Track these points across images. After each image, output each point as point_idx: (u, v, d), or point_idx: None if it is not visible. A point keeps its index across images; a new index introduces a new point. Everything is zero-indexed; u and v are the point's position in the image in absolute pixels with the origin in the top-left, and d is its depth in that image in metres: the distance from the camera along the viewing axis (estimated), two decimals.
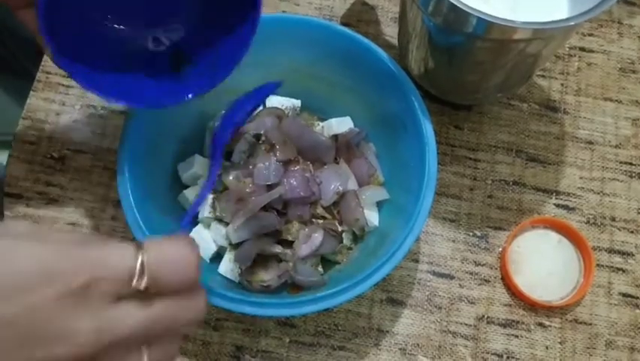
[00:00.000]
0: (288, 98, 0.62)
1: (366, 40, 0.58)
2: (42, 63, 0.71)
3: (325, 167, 0.58)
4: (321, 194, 0.56)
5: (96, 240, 0.33)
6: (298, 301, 0.49)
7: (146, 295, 0.33)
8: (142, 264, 0.33)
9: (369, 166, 0.61)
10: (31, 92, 0.70)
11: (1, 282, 0.30)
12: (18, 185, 0.66)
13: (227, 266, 0.57)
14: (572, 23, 0.49)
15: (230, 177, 0.55)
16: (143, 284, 0.33)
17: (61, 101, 0.70)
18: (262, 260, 0.56)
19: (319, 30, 0.59)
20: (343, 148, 0.61)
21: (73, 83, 0.70)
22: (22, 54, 0.89)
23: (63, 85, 0.71)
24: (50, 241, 0.32)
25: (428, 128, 0.55)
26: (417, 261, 0.64)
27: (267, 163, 0.55)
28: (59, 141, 0.68)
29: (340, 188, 0.56)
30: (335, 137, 0.60)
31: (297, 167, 0.56)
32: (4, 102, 0.98)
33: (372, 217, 0.59)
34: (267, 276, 0.55)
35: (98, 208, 0.65)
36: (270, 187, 0.55)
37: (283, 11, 0.75)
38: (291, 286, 0.57)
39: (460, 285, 0.63)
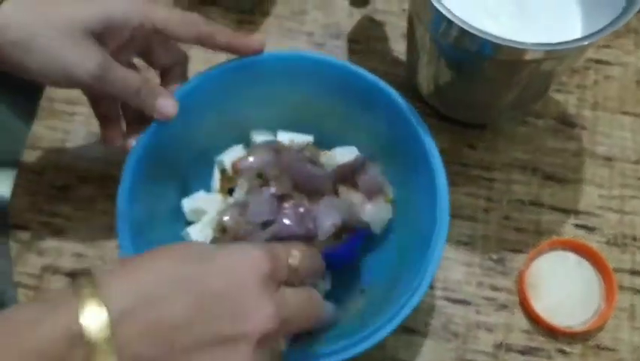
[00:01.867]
0: (299, 134, 0.61)
1: (381, 83, 0.56)
2: (45, 89, 0.70)
3: (323, 199, 0.56)
4: (317, 229, 0.54)
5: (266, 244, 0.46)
6: None
7: (290, 285, 0.43)
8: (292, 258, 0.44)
9: (375, 181, 0.58)
10: (35, 121, 0.69)
11: (223, 266, 0.39)
12: (23, 216, 0.65)
13: None
14: (586, 43, 0.47)
15: (227, 218, 0.53)
16: (294, 266, 0.44)
17: (64, 130, 0.69)
18: None
19: (333, 69, 0.58)
20: (348, 175, 0.58)
21: (77, 109, 0.69)
22: None
23: (67, 113, 0.69)
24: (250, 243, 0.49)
25: (441, 177, 0.53)
26: (431, 287, 0.62)
27: (261, 199, 0.53)
28: (64, 170, 0.67)
29: (338, 221, 0.54)
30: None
31: (291, 202, 0.54)
32: (11, 121, 0.97)
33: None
34: None
35: (103, 238, 0.64)
36: (265, 224, 0.53)
37: (288, 30, 0.73)
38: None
39: (476, 311, 0.61)
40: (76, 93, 0.67)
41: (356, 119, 0.60)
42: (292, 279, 0.43)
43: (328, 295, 0.57)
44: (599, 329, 0.60)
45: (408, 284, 0.50)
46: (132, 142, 0.55)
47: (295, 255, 0.44)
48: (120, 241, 0.51)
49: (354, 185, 0.59)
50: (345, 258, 0.56)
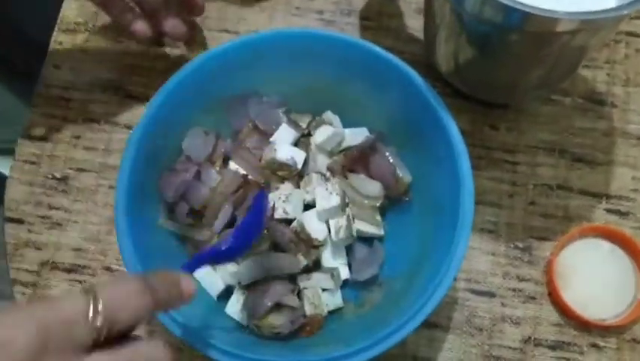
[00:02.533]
0: (295, 151, 0.57)
1: (396, 59, 0.54)
2: (41, 75, 0.67)
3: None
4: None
5: (44, 299, 0.33)
6: None
7: (111, 344, 0.33)
8: (95, 304, 0.32)
9: (387, 165, 0.56)
10: (30, 108, 0.66)
11: None
12: (19, 209, 0.62)
13: (235, 307, 0.53)
14: (625, 12, 0.43)
15: None
16: (98, 322, 0.32)
17: (62, 116, 0.66)
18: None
19: (344, 46, 0.55)
20: (358, 159, 0.57)
21: (74, 95, 0.67)
22: (29, 56, 0.86)
23: (64, 98, 0.66)
24: None
25: (464, 163, 0.50)
26: (454, 278, 0.58)
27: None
28: (61, 159, 0.64)
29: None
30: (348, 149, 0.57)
31: None
32: (11, 107, 0.95)
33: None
34: (279, 320, 0.51)
35: (105, 231, 0.61)
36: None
37: (297, 8, 0.69)
38: (305, 328, 0.53)
39: (502, 304, 0.59)
40: (72, 78, 0.64)
41: (369, 99, 0.58)
42: (109, 332, 0.33)
43: (345, 288, 0.56)
44: (635, 321, 0.57)
45: (431, 277, 0.48)
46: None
47: (105, 299, 0.33)
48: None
49: (366, 169, 0.57)
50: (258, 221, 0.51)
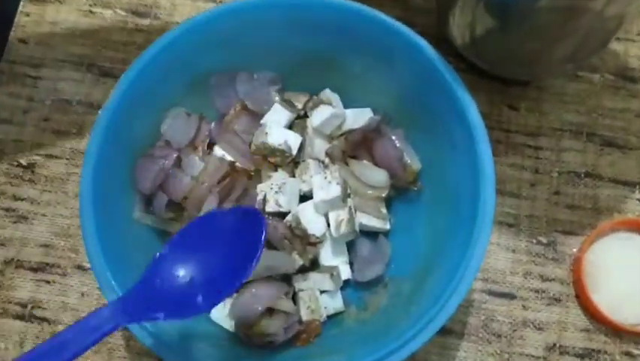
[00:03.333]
0: (290, 135, 0.54)
1: (404, 28, 0.50)
2: (5, 50, 0.64)
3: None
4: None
5: None
6: None
7: None
8: None
9: (393, 149, 0.53)
10: None
11: None
12: None
13: (221, 312, 0.50)
14: None
15: None
16: None
17: (28, 96, 0.62)
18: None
19: (344, 13, 0.52)
20: (360, 143, 0.54)
21: (42, 73, 0.63)
22: None
23: (31, 76, 0.63)
24: None
25: (485, 149, 0.47)
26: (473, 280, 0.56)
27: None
28: (27, 144, 0.61)
29: None
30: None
31: None
32: None
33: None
34: (271, 327, 0.49)
35: (76, 225, 0.58)
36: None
37: None
38: (301, 336, 0.50)
39: (523, 306, 0.56)
40: (40, 54, 0.63)
41: (373, 75, 0.55)
42: None
43: (346, 289, 0.54)
44: None
45: (446, 279, 0.45)
46: None
47: None
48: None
49: (370, 155, 0.54)
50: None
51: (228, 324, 0.50)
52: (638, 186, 0.60)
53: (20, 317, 0.55)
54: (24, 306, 0.55)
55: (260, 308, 0.48)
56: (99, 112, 0.48)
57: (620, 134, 0.61)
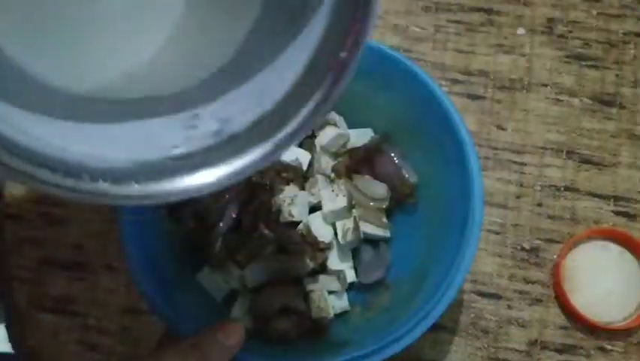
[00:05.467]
0: (300, 153, 0.56)
1: (400, 56, 0.52)
2: None
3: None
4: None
5: None
6: None
7: None
8: None
9: (393, 165, 0.56)
10: None
11: None
12: (19, 205, 0.61)
13: (240, 311, 0.52)
14: None
15: None
16: None
17: None
18: None
19: None
20: (362, 160, 0.56)
21: None
22: None
23: None
24: None
25: (474, 164, 0.49)
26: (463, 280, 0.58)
27: None
28: None
29: None
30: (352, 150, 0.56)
31: None
32: None
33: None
34: (285, 324, 0.50)
35: (106, 228, 0.60)
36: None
37: None
38: (315, 329, 0.52)
39: (508, 306, 0.58)
40: None
41: (374, 99, 0.56)
42: None
43: (351, 291, 0.55)
44: None
45: (440, 279, 0.47)
46: None
47: None
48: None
49: (371, 170, 0.56)
50: None
51: (247, 321, 0.52)
52: (612, 199, 0.61)
53: (53, 311, 0.58)
54: (57, 301, 0.58)
55: (275, 307, 0.50)
56: None
57: (597, 153, 0.62)
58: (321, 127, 0.56)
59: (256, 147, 0.31)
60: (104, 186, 0.28)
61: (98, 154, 0.29)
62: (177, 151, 0.31)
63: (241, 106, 0.33)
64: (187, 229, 0.54)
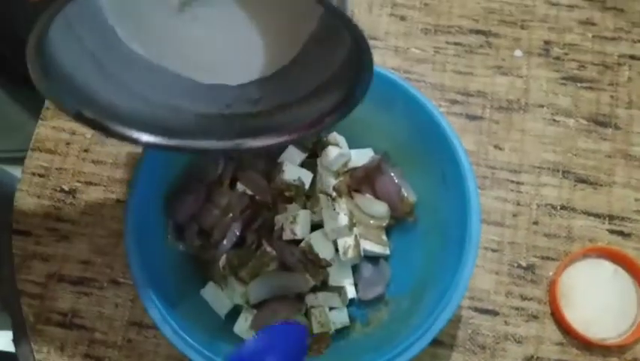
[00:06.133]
0: (303, 172, 0.57)
1: (400, 80, 0.54)
2: None
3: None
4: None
5: None
6: None
7: None
8: None
9: (393, 184, 0.57)
10: (40, 122, 0.66)
11: None
12: (27, 221, 0.62)
13: (243, 326, 0.53)
14: None
15: None
16: None
17: (71, 130, 0.66)
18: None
19: None
20: (363, 179, 0.57)
21: None
22: None
23: None
24: None
25: (471, 183, 0.50)
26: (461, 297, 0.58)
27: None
28: (70, 172, 0.64)
29: None
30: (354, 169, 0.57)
31: None
32: (21, 118, 0.95)
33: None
34: None
35: (112, 244, 0.62)
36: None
37: None
38: (313, 347, 0.53)
39: (505, 322, 0.59)
40: None
41: (374, 119, 0.57)
42: None
43: (351, 307, 0.56)
44: (637, 341, 0.58)
45: (438, 296, 0.48)
46: None
47: None
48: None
49: (371, 189, 0.57)
50: None
51: (249, 337, 0.52)
52: (607, 218, 0.62)
53: (61, 325, 0.59)
54: (64, 315, 0.59)
55: (278, 323, 0.50)
56: (142, 154, 0.52)
57: (592, 173, 0.63)
58: (323, 147, 0.57)
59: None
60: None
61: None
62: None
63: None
64: (191, 246, 0.55)
